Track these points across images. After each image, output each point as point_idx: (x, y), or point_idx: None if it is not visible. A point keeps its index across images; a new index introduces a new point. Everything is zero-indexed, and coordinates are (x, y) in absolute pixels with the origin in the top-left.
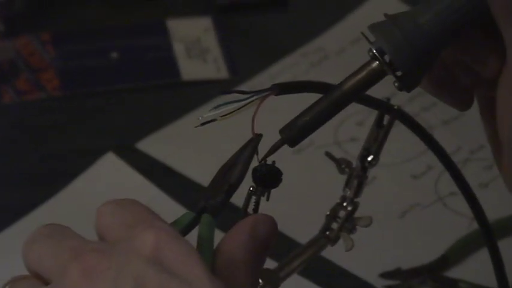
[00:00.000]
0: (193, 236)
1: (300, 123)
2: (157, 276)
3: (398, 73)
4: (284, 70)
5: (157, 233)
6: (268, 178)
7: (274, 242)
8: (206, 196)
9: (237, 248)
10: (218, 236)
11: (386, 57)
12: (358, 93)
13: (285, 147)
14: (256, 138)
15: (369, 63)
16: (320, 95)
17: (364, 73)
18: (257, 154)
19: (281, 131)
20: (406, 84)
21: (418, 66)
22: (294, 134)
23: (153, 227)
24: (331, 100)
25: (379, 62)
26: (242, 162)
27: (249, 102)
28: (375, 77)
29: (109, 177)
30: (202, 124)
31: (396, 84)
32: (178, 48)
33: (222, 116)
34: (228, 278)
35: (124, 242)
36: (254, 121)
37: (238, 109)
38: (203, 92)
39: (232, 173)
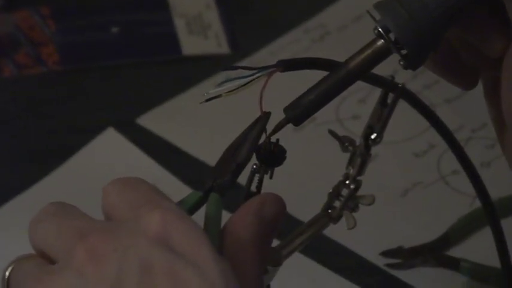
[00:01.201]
0: (200, 216)
1: (304, 102)
2: (164, 257)
3: (404, 51)
4: (285, 46)
5: (163, 213)
6: (273, 156)
7: (281, 222)
8: (213, 175)
9: (244, 228)
10: (225, 216)
11: (392, 36)
12: (363, 72)
13: (287, 125)
14: (265, 116)
15: (374, 41)
16: (325, 73)
17: (369, 51)
18: (265, 133)
19: (285, 110)
20: (411, 62)
21: (424, 44)
22: (299, 112)
23: (159, 207)
24: (337, 79)
25: (385, 40)
26: (250, 141)
27: (254, 79)
28: (380, 55)
29: (109, 152)
30: (207, 100)
31: (402, 62)
32: (179, 24)
33: (226, 93)
34: (235, 258)
35: (130, 222)
36: (262, 99)
37: (243, 85)
38: (204, 67)
39: (239, 152)
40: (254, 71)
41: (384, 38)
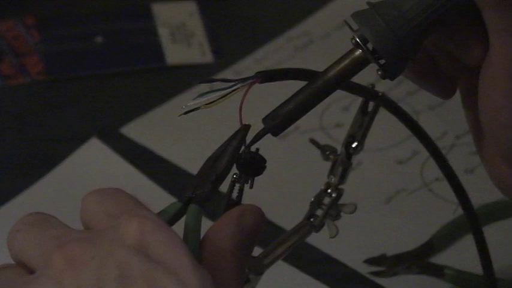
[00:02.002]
0: (180, 227)
1: (282, 112)
2: (142, 265)
3: (382, 61)
4: (269, 54)
5: (142, 222)
6: (252, 166)
7: (261, 232)
8: (193, 186)
9: (224, 238)
10: (205, 224)
11: (370, 45)
12: (341, 82)
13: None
14: (244, 128)
15: (352, 51)
16: (304, 83)
17: (347, 61)
18: (245, 144)
19: (264, 120)
20: (389, 72)
21: (402, 54)
22: (277, 123)
23: (137, 216)
24: (315, 89)
25: (362, 50)
26: (229, 153)
27: (233, 90)
28: (358, 65)
29: (93, 162)
30: (186, 113)
31: (379, 72)
32: (163, 33)
33: (206, 105)
34: (214, 268)
35: (108, 231)
36: (241, 111)
37: (222, 97)
38: (188, 76)
39: (219, 164)
40: (233, 83)
41: (361, 47)
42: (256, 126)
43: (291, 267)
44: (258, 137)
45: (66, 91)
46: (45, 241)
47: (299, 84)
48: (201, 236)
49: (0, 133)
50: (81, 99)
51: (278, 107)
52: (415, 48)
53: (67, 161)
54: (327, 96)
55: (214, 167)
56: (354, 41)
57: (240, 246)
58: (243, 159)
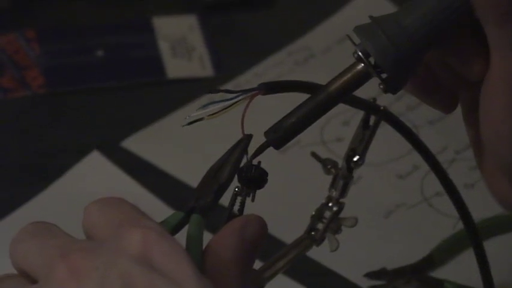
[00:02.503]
0: (181, 237)
1: (285, 126)
2: (145, 276)
3: (384, 75)
4: (269, 68)
5: (145, 232)
6: (254, 179)
7: (263, 243)
8: (195, 196)
9: (226, 249)
10: (207, 236)
11: (372, 60)
12: (343, 95)
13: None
14: (246, 139)
15: (354, 65)
16: (307, 95)
17: (349, 75)
18: (247, 154)
19: (266, 134)
20: (391, 86)
21: (403, 68)
22: (279, 136)
23: (141, 226)
24: (317, 102)
25: (364, 64)
26: (231, 163)
27: (236, 102)
28: (360, 79)
29: (94, 175)
30: (189, 123)
31: (381, 86)
32: (164, 47)
33: (209, 116)
34: (217, 278)
35: (111, 241)
36: (243, 121)
37: (225, 108)
38: (188, 90)
39: (221, 174)
40: (236, 94)
41: (363, 61)
42: (258, 138)
43: (292, 280)
44: (260, 150)
45: (66, 104)
46: (48, 250)
47: (301, 96)
48: (204, 246)
49: (1, 146)
50: (81, 113)
51: (280, 120)
52: (417, 62)
53: (68, 174)
54: (330, 109)
55: (216, 177)
56: (356, 55)
57: (243, 257)
58: (244, 172)
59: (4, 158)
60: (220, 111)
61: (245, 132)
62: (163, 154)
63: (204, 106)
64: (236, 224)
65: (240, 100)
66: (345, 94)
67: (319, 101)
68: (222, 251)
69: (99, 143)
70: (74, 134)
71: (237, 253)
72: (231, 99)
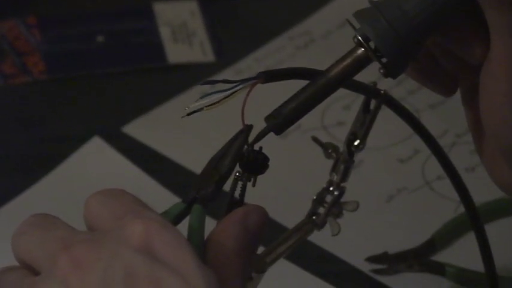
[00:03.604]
0: (183, 228)
1: (285, 111)
2: (148, 266)
3: (384, 60)
4: (270, 53)
5: (146, 223)
6: (255, 165)
7: (265, 232)
8: (196, 186)
9: (228, 239)
10: (209, 224)
11: (372, 44)
12: (343, 80)
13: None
14: (247, 129)
15: (354, 49)
16: (306, 82)
17: (349, 60)
18: (247, 145)
19: (266, 119)
20: (391, 71)
21: (404, 53)
22: (280, 121)
23: (142, 217)
24: (317, 87)
25: (364, 49)
26: (232, 153)
27: (235, 91)
28: (360, 64)
29: (95, 161)
30: (189, 114)
31: (382, 71)
32: (165, 32)
33: (207, 106)
34: (219, 268)
35: (113, 232)
36: (244, 112)
37: (224, 98)
38: (189, 75)
39: (222, 164)
40: (235, 84)
41: (363, 46)
42: (259, 126)
43: (293, 265)
44: (260, 136)
45: (67, 90)
46: (50, 242)
47: (301, 83)
48: (205, 236)
49: (2, 132)
50: (82, 99)
51: (280, 105)
52: (417, 47)
53: (69, 160)
54: (330, 94)
55: (217, 167)
56: (356, 40)
57: (244, 246)
58: (246, 157)
59: (5, 144)
60: (219, 101)
61: (246, 122)
62: (164, 139)
63: (203, 96)
64: (237, 214)
65: (239, 89)
66: (345, 79)
67: (319, 87)
68: (224, 241)
69: (100, 128)
70: (74, 119)
71: (239, 243)
72: (231, 88)
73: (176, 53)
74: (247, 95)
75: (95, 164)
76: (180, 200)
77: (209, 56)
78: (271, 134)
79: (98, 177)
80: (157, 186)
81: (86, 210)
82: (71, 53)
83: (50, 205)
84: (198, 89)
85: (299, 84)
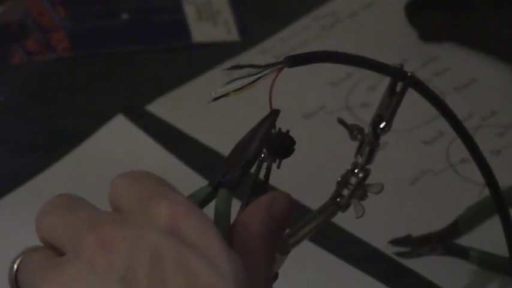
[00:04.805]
0: (208, 212)
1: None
2: (174, 248)
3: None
4: (295, 34)
5: (173, 205)
6: (282, 148)
7: (290, 219)
8: (223, 171)
9: (255, 224)
10: (235, 207)
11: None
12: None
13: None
14: (274, 113)
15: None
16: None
17: None
18: (274, 129)
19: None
20: None
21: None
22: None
23: (169, 199)
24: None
25: None
26: (259, 138)
27: (262, 76)
28: None
29: (118, 139)
30: (215, 99)
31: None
32: (189, 10)
33: (234, 91)
34: (245, 253)
35: (139, 213)
36: (271, 96)
37: (251, 83)
38: (214, 54)
39: (249, 149)
40: (262, 68)
41: None
42: (285, 109)
43: (317, 247)
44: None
45: (91, 68)
46: (76, 223)
47: (328, 66)
48: (231, 221)
49: (26, 110)
50: (106, 76)
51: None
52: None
53: (92, 138)
54: None
55: (244, 152)
56: None
57: (270, 232)
58: (273, 141)
59: (28, 122)
60: (245, 86)
61: (273, 107)
62: (188, 118)
63: (230, 82)
64: (264, 200)
65: (266, 74)
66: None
67: None
68: (251, 226)
69: (124, 106)
70: (98, 97)
71: (265, 228)
72: (257, 73)
73: (200, 32)
74: (274, 80)
75: (118, 142)
76: (202, 178)
77: (234, 35)
78: (296, 114)
79: (121, 156)
80: (180, 165)
81: (112, 191)
82: (95, 30)
83: (73, 182)
84: (222, 68)
85: (325, 66)
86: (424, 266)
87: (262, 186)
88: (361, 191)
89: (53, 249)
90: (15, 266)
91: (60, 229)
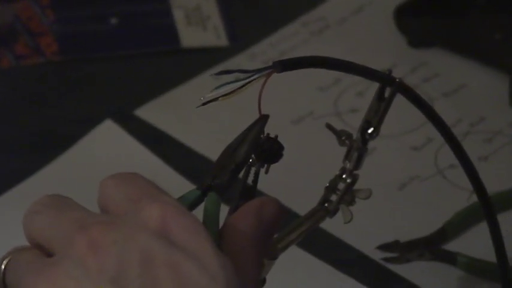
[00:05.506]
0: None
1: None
2: (164, 250)
3: None
4: (284, 39)
5: (163, 207)
6: (270, 153)
7: (280, 225)
8: (212, 174)
9: (243, 228)
10: (223, 211)
11: None
12: None
13: (284, 119)
14: (264, 118)
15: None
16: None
17: None
18: (263, 134)
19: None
20: None
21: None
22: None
23: (158, 201)
24: None
25: None
26: (248, 142)
27: (251, 81)
28: None
29: (107, 144)
30: (204, 104)
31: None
32: (178, 15)
33: (223, 96)
34: (234, 257)
35: (129, 215)
36: (260, 101)
37: (239, 88)
38: (203, 59)
39: (238, 153)
40: (251, 73)
41: None
42: (273, 114)
43: (305, 252)
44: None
45: (80, 72)
46: (66, 223)
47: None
48: (220, 225)
49: (14, 113)
50: (95, 81)
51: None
52: None
53: (81, 143)
54: None
55: (233, 156)
56: None
57: (260, 237)
58: (261, 146)
59: (17, 125)
60: (234, 91)
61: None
62: (176, 123)
63: (218, 87)
64: (253, 205)
65: (254, 79)
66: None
67: None
68: (240, 230)
69: (112, 111)
70: (87, 102)
71: (255, 233)
72: (246, 78)
73: (190, 37)
74: (263, 85)
75: (107, 146)
76: (190, 183)
77: (223, 40)
78: (283, 119)
79: (109, 160)
80: (168, 169)
81: (101, 193)
82: (84, 35)
83: (62, 187)
84: (211, 73)
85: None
86: (412, 271)
87: (250, 191)
88: (349, 196)
89: (41, 249)
90: (3, 266)
91: (49, 229)
